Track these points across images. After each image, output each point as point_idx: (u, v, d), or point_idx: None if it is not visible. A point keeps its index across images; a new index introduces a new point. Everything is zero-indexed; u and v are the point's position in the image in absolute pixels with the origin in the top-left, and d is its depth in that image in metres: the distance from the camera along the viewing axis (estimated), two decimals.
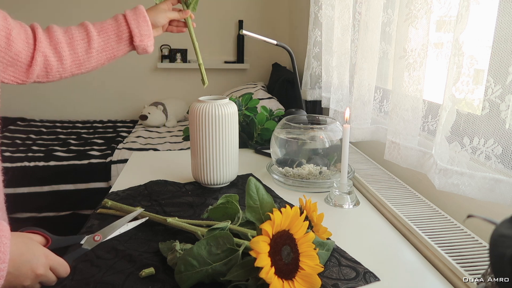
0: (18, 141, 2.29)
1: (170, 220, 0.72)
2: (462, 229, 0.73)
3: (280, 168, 1.02)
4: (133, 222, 0.66)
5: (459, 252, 0.66)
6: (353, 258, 0.67)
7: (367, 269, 0.64)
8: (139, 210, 0.68)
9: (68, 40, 0.81)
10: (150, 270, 0.61)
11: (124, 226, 0.63)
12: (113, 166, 1.99)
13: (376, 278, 0.62)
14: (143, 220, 0.68)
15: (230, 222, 0.64)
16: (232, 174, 0.98)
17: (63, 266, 0.54)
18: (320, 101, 1.67)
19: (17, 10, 2.71)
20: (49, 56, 0.79)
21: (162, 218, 0.73)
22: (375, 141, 1.21)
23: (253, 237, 0.56)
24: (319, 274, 0.55)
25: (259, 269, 0.51)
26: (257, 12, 2.98)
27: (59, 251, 0.56)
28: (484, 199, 0.67)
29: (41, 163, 1.96)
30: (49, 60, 0.79)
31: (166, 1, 0.91)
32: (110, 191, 0.94)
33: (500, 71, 0.66)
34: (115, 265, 0.63)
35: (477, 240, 0.69)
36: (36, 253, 0.52)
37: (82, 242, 0.59)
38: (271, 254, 0.52)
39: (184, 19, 0.94)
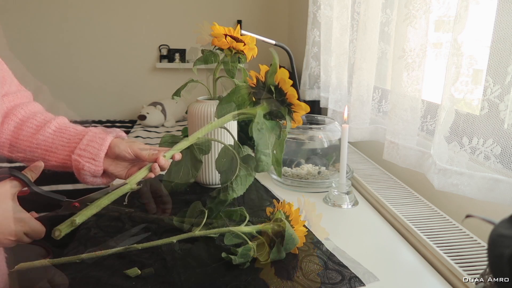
0: None
1: (169, 220, 0.72)
2: (461, 229, 0.73)
3: None
4: (136, 237, 0.67)
5: (457, 252, 0.66)
6: (341, 262, 0.67)
7: (365, 269, 0.64)
8: (124, 185, 0.60)
9: (22, 118, 0.68)
10: (135, 270, 0.59)
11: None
12: None
13: (375, 278, 0.62)
14: (146, 235, 0.69)
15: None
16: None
17: (37, 232, 0.53)
18: (319, 101, 1.67)
19: (18, 10, 2.71)
20: None
21: (160, 218, 0.73)
22: (374, 141, 1.21)
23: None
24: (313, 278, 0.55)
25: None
26: (256, 12, 2.98)
27: (36, 204, 0.54)
28: (483, 199, 0.67)
29: None
30: None
31: (147, 146, 0.69)
32: None
33: (499, 71, 0.66)
34: (113, 265, 0.63)
35: (476, 240, 0.69)
36: (7, 221, 0.50)
37: (61, 203, 0.56)
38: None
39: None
